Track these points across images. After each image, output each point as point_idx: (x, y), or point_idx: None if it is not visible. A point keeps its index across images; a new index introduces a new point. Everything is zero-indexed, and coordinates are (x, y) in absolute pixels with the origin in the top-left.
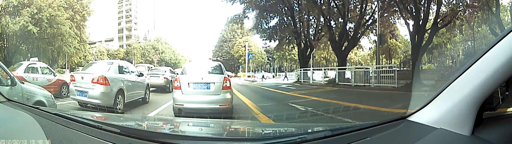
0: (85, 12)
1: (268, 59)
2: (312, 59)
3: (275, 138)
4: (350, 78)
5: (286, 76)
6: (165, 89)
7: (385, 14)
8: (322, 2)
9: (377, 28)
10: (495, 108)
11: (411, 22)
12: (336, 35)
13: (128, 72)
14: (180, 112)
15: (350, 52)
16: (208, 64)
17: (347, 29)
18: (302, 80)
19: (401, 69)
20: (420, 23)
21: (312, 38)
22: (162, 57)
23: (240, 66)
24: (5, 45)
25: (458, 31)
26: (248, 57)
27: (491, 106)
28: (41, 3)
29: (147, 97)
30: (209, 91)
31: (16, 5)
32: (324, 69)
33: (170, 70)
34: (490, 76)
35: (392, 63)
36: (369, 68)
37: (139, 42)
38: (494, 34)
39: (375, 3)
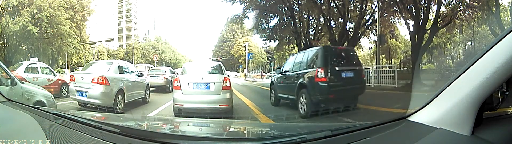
0: (85, 12)
1: (268, 59)
2: None
3: (275, 138)
4: None
5: (245, 75)
6: (165, 89)
7: (385, 14)
8: (322, 2)
9: (377, 28)
10: (495, 108)
11: (411, 22)
12: (336, 35)
13: (128, 72)
14: (180, 112)
15: None
16: (208, 64)
17: (347, 29)
18: None
19: (401, 69)
20: (420, 23)
21: (312, 38)
22: (162, 57)
23: (240, 66)
24: (5, 45)
25: (458, 31)
26: (248, 57)
27: (491, 106)
28: (41, 3)
29: (147, 97)
30: (209, 91)
31: (16, 5)
32: None
33: (170, 70)
34: (490, 76)
35: (392, 63)
36: (369, 68)
37: (139, 42)
38: (494, 34)
39: (375, 3)
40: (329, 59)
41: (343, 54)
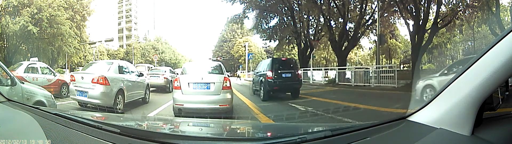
0: (85, 12)
1: None
2: (312, 59)
3: (275, 138)
4: (350, 78)
5: (239, 76)
6: (165, 89)
7: (385, 14)
8: (322, 2)
9: (377, 28)
10: (495, 108)
11: (411, 22)
12: (336, 35)
13: (128, 72)
14: (180, 112)
15: (350, 52)
16: (208, 64)
17: (347, 29)
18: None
19: (401, 69)
20: (420, 23)
21: (312, 38)
22: (162, 57)
23: (240, 66)
24: (5, 45)
25: (458, 31)
26: (248, 57)
27: (491, 106)
28: (41, 3)
29: (147, 97)
30: (209, 91)
31: (16, 5)
32: (324, 69)
33: (170, 70)
34: (490, 76)
35: (392, 63)
36: (369, 68)
37: (139, 42)
38: (494, 34)
39: (375, 3)
40: (274, 65)
41: (284, 63)
